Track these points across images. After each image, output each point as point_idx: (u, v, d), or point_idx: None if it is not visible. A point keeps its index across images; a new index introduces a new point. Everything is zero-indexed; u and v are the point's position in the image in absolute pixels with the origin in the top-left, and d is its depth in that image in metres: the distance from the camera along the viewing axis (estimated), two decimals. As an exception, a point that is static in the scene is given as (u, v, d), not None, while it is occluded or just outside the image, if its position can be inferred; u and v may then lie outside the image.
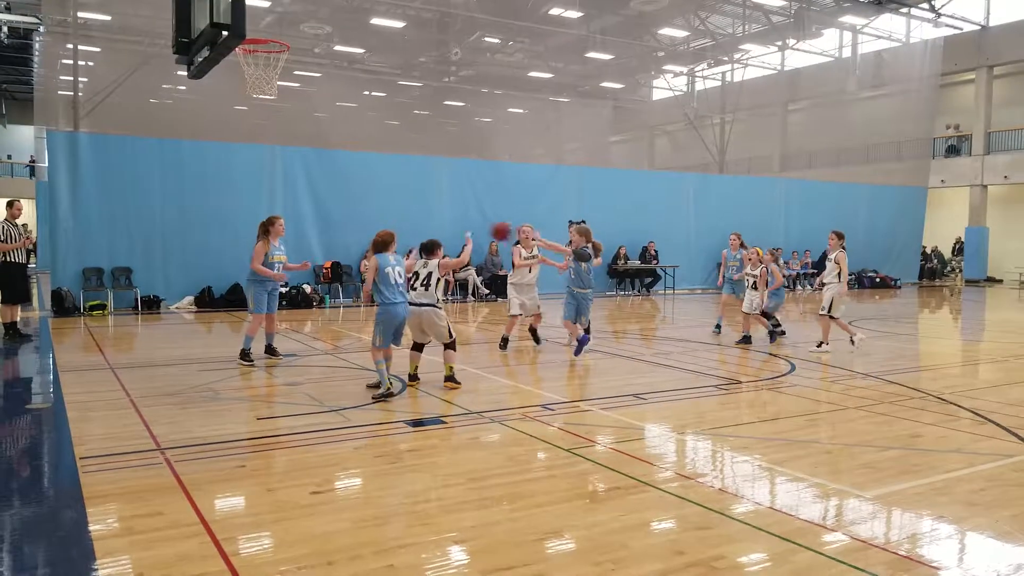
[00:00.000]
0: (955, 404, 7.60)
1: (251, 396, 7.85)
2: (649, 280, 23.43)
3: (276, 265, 9.73)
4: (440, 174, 20.39)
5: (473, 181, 20.79)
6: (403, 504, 4.68)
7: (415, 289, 7.93)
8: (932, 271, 30.85)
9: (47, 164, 16.59)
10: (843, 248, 11.34)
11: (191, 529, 4.21)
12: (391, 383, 7.58)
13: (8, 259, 11.75)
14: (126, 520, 4.39)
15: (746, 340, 11.87)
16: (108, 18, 23.77)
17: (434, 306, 7.95)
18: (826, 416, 7.15)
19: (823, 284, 11.46)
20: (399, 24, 27.80)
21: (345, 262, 18.53)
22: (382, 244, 7.75)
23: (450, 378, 8.12)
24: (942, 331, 16.35)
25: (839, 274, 11.10)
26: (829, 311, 11.06)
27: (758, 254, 12.03)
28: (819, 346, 11.01)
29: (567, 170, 23.86)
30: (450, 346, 8.11)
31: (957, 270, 31.38)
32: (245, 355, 9.47)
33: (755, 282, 11.90)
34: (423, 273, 7.97)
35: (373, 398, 7.43)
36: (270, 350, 9.90)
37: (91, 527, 4.26)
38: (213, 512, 4.49)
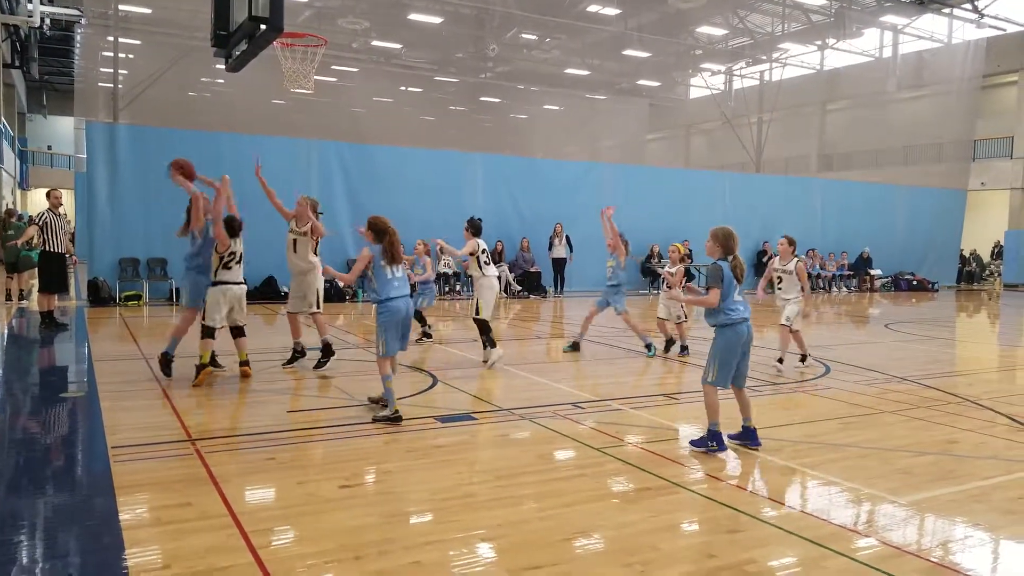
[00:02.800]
0: (992, 410, 7.44)
1: (282, 389, 7.90)
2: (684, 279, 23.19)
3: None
4: (475, 170, 20.43)
5: (508, 177, 20.79)
6: (431, 500, 4.67)
7: None
8: (970, 275, 30.26)
9: (86, 155, 16.84)
10: (796, 256, 9.78)
11: (220, 521, 4.23)
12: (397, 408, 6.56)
13: (48, 248, 11.89)
14: (155, 510, 4.43)
15: (672, 345, 10.71)
16: (148, 11, 24.12)
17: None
18: (861, 420, 7.01)
19: (767, 292, 10.07)
20: (437, 20, 27.84)
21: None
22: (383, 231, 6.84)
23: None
24: (979, 335, 16.01)
25: (801, 288, 9.60)
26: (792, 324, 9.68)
27: (679, 251, 10.52)
28: (780, 362, 9.55)
29: (602, 167, 23.76)
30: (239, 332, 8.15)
31: (996, 274, 30.75)
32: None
33: (667, 283, 10.50)
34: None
35: (374, 419, 6.45)
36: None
37: (121, 516, 4.30)
38: (242, 504, 4.52)
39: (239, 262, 8.23)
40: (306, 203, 9.14)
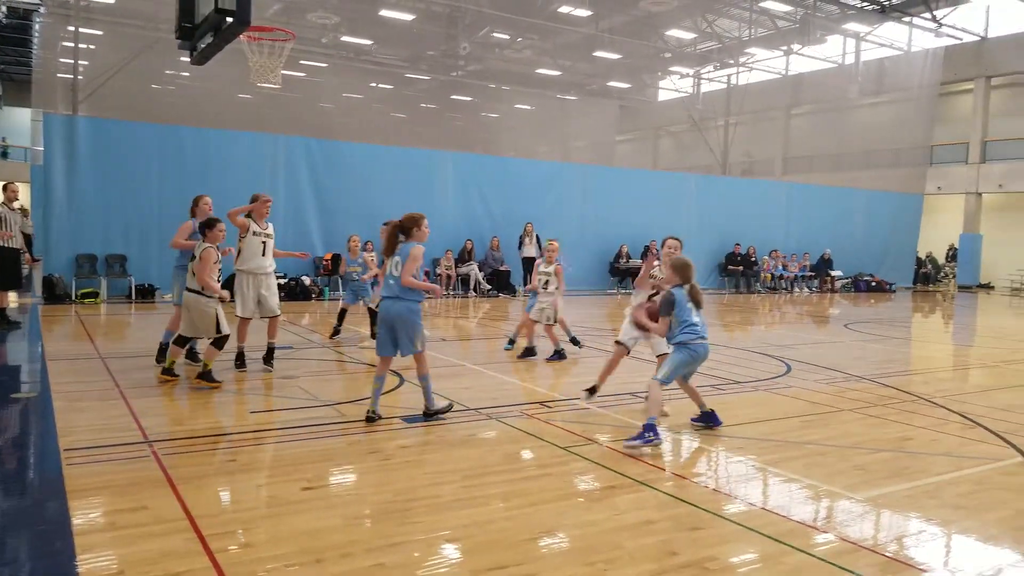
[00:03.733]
0: (945, 408, 7.64)
1: (244, 389, 7.79)
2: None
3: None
4: (445, 168, 20.37)
5: (478, 176, 20.79)
6: (395, 501, 4.63)
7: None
8: (926, 276, 30.94)
9: (43, 148, 16.45)
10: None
11: (176, 525, 4.14)
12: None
13: (3, 243, 11.58)
14: (109, 514, 4.32)
15: (530, 353, 9.98)
16: (111, 1, 23.64)
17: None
18: (820, 417, 7.13)
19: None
20: (408, 17, 27.70)
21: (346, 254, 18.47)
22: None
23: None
24: (934, 335, 16.37)
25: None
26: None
27: (554, 248, 10.03)
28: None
29: (572, 168, 23.91)
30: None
31: (951, 276, 31.48)
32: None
33: (547, 281, 9.87)
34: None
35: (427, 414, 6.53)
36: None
37: (73, 521, 4.17)
38: (200, 507, 4.42)
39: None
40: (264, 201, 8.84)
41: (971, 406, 7.73)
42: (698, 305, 6.16)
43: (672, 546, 4.08)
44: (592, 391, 7.22)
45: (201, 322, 7.63)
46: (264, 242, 8.69)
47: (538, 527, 4.28)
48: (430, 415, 6.52)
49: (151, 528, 4.10)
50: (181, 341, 7.89)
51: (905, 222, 28.86)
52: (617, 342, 7.28)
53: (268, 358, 8.64)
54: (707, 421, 6.44)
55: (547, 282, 9.82)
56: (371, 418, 6.38)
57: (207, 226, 7.84)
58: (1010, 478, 5.45)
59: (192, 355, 8.71)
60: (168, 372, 7.79)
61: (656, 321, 6.27)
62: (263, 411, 7.00)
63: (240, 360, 8.50)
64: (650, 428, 5.81)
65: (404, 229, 6.41)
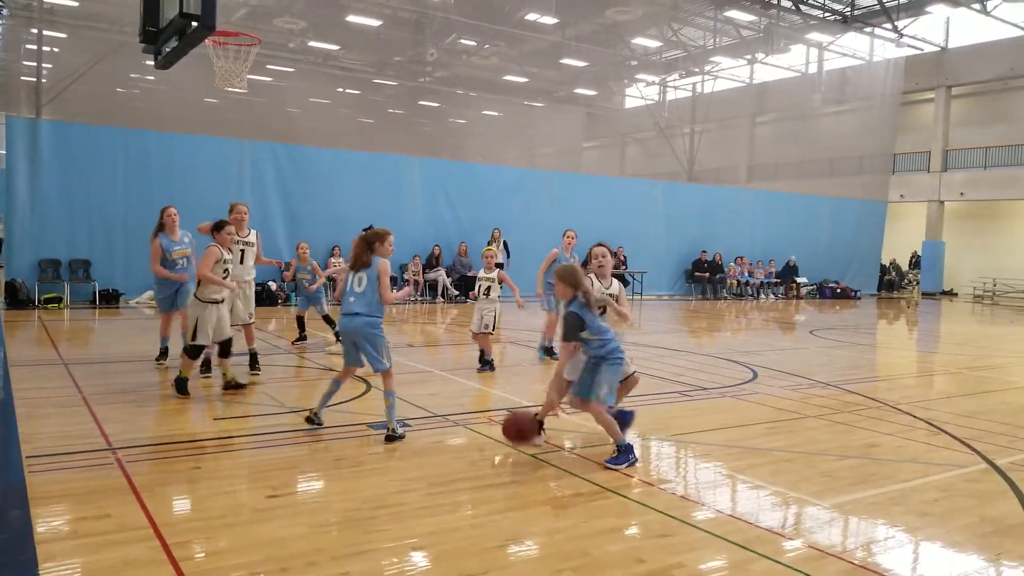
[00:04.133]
0: (910, 414, 7.72)
1: (209, 395, 7.69)
2: (617, 285, 23.54)
3: (178, 261, 8.90)
4: (412, 173, 20.36)
5: (445, 181, 20.79)
6: (362, 509, 4.60)
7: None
8: (891, 283, 31.46)
9: (5, 151, 16.18)
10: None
11: (140, 533, 4.08)
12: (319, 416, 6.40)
13: None
14: (72, 523, 4.26)
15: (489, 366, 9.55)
16: (75, 3, 23.33)
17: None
18: (786, 424, 7.20)
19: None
20: (375, 22, 27.64)
21: (313, 259, 18.34)
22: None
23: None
24: (899, 342, 16.63)
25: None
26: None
27: (492, 255, 9.65)
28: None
29: (539, 174, 24.01)
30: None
31: (914, 283, 32.04)
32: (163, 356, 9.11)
33: (489, 287, 9.55)
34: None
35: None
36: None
37: (36, 529, 4.11)
38: (164, 515, 4.37)
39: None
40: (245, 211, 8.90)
41: (936, 412, 7.83)
42: (592, 308, 5.72)
43: (640, 553, 4.10)
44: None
45: (187, 322, 7.48)
46: (243, 250, 8.67)
47: (505, 534, 4.28)
48: (392, 439, 6.10)
49: (115, 536, 4.04)
50: (193, 351, 7.51)
51: (869, 229, 29.33)
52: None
53: (253, 363, 8.66)
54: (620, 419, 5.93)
55: (488, 288, 9.50)
56: (311, 420, 6.27)
57: (216, 228, 7.74)
58: (974, 484, 5.51)
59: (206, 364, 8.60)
60: (231, 386, 7.61)
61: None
62: (228, 418, 6.92)
63: (207, 366, 8.41)
64: (628, 449, 5.60)
65: (370, 244, 6.30)
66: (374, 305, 6.15)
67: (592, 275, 6.34)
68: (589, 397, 5.64)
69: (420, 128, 35.85)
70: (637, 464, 5.59)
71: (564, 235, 10.38)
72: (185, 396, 7.32)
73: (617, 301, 6.30)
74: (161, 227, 8.88)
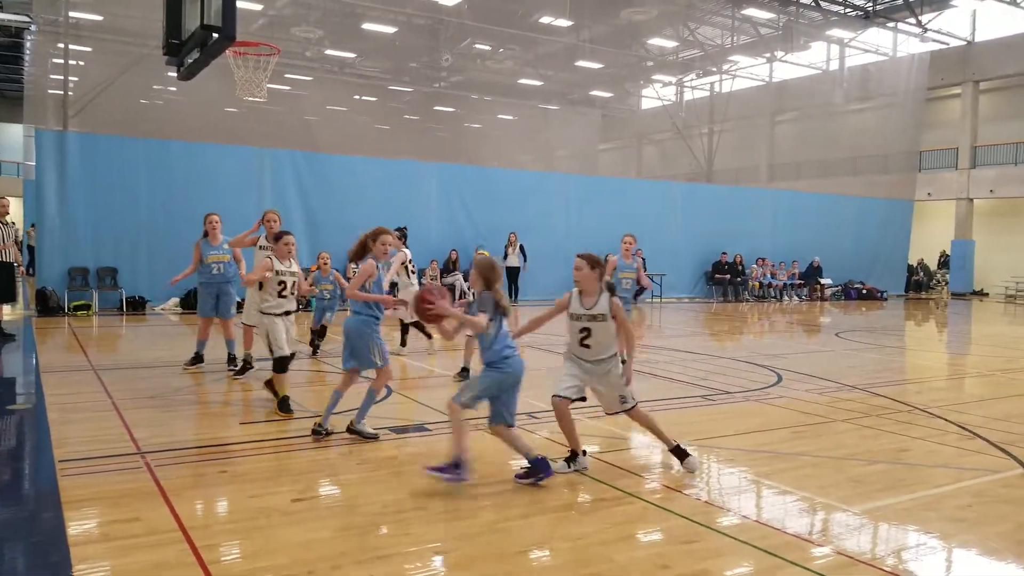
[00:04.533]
0: (942, 418, 7.58)
1: (235, 400, 7.77)
2: (637, 288, 23.45)
3: (213, 267, 9.14)
4: (429, 179, 20.44)
5: (461, 186, 20.85)
6: (385, 513, 4.63)
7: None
8: (918, 283, 31.03)
9: (35, 163, 16.50)
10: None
11: (169, 536, 4.14)
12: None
13: None
14: (104, 525, 4.34)
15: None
16: (100, 18, 23.65)
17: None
18: (813, 428, 7.13)
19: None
20: (391, 29, 27.79)
21: (332, 266, 18.48)
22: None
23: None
24: (928, 344, 16.41)
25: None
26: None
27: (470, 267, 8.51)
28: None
29: (556, 177, 24.00)
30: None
31: (943, 283, 31.55)
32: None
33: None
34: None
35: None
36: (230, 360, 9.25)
37: (68, 532, 4.19)
38: (193, 519, 4.43)
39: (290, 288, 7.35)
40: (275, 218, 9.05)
41: (968, 416, 7.67)
42: (506, 314, 5.25)
43: (664, 559, 4.07)
44: (572, 458, 5.55)
45: (266, 339, 7.21)
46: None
47: (528, 540, 4.28)
48: (351, 431, 6.16)
49: (145, 539, 4.11)
50: (278, 366, 7.18)
51: (895, 229, 28.91)
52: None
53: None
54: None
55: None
56: (317, 432, 6.22)
57: (274, 239, 7.55)
58: (1010, 490, 5.40)
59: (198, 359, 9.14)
60: (283, 406, 7.15)
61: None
62: (253, 422, 6.98)
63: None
64: (459, 466, 5.03)
65: (365, 244, 6.38)
66: (367, 303, 6.25)
67: (572, 293, 5.55)
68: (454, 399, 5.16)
69: (436, 133, 36.03)
70: (458, 482, 4.98)
71: (622, 240, 9.94)
72: (289, 415, 6.98)
73: (613, 319, 5.44)
74: (205, 233, 9.18)
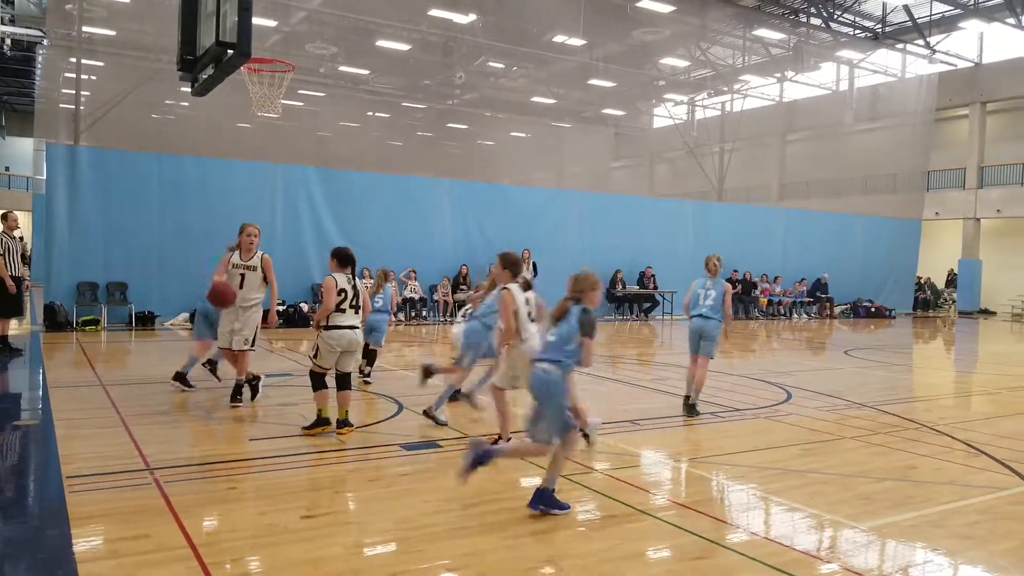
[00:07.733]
0: (949, 436, 7.57)
1: (244, 416, 7.78)
2: (647, 305, 23.45)
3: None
4: (442, 195, 20.49)
5: (474, 203, 20.90)
6: (395, 530, 4.62)
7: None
8: (926, 302, 30.96)
9: (45, 176, 16.56)
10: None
11: (178, 553, 4.14)
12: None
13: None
14: (112, 542, 4.33)
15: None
16: (113, 33, 23.88)
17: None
18: (821, 446, 7.10)
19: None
20: (404, 47, 28.01)
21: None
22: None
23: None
24: (936, 362, 16.34)
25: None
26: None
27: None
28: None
29: (567, 194, 24.06)
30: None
31: (950, 302, 31.49)
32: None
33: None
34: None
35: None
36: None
37: (75, 549, 4.18)
38: (202, 535, 4.43)
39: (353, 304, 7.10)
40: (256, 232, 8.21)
41: (975, 434, 7.68)
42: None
43: None
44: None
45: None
46: (243, 274, 8.06)
47: (538, 556, 4.26)
48: (427, 414, 7.32)
49: (154, 556, 4.10)
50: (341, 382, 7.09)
51: (903, 247, 28.94)
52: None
53: (235, 394, 8.13)
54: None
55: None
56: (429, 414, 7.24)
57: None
58: (1017, 507, 5.41)
59: (182, 378, 8.73)
60: (343, 423, 6.98)
61: None
62: (263, 438, 6.98)
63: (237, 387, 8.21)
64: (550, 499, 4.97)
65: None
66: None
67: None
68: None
69: (449, 150, 36.20)
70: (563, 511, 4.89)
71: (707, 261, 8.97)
72: (349, 428, 6.92)
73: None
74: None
